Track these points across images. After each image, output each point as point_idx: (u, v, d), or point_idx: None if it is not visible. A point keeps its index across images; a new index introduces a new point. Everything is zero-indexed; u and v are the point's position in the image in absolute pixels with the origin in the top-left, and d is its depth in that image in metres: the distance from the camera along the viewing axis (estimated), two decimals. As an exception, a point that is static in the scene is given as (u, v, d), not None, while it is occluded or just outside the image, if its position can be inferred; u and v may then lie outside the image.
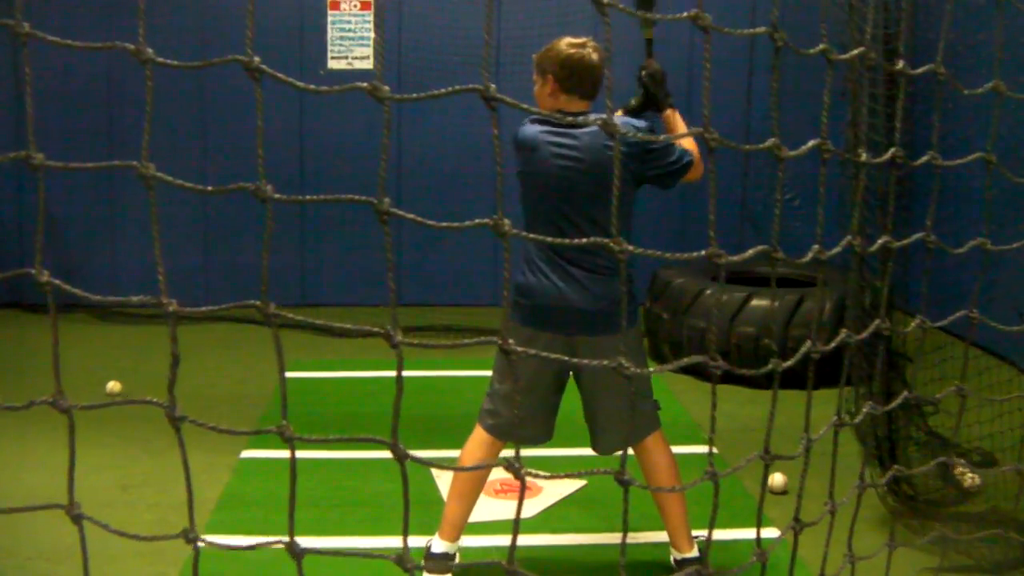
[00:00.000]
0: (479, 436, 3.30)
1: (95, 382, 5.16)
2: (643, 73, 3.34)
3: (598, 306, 3.07)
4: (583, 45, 3.12)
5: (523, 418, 3.21)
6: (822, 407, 2.15)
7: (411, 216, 1.34)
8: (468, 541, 3.53)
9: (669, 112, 3.32)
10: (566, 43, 3.12)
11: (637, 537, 3.57)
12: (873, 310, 3.70)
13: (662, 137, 2.78)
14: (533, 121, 3.15)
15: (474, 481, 3.28)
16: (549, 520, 3.78)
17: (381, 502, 3.90)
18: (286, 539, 1.39)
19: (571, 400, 3.52)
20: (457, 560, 3.28)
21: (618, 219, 1.53)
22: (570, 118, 1.50)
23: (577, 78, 3.09)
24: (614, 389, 3.13)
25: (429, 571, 3.22)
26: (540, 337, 3.13)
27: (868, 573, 2.13)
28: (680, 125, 3.32)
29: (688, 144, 3.19)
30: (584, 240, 1.47)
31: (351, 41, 7.18)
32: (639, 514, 3.63)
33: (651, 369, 1.66)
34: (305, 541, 1.41)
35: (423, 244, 7.37)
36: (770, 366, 1.58)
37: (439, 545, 3.27)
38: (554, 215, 3.12)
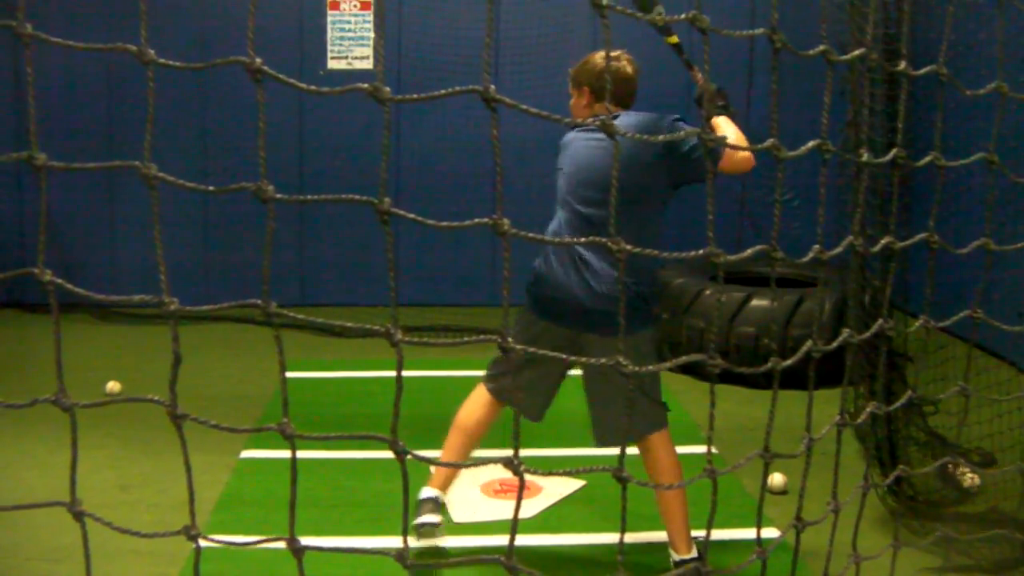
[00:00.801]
0: (480, 395, 3.43)
1: (95, 382, 5.16)
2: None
3: (603, 306, 3.07)
4: (617, 58, 3.26)
5: (522, 387, 3.30)
6: (821, 406, 2.15)
7: (411, 216, 1.34)
8: (468, 541, 3.53)
9: (715, 121, 3.33)
10: (600, 56, 3.25)
11: (637, 537, 3.57)
12: (873, 309, 3.70)
13: (682, 133, 2.84)
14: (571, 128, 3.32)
15: (470, 437, 3.43)
16: (549, 520, 3.78)
17: (380, 502, 3.90)
18: (287, 537, 1.39)
19: (572, 401, 3.53)
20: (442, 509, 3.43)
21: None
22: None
23: (612, 89, 3.17)
24: (612, 382, 3.15)
25: (423, 512, 3.33)
26: (553, 329, 3.21)
27: (868, 573, 2.14)
28: (721, 128, 3.30)
29: (732, 135, 3.22)
30: (584, 240, 1.46)
31: (351, 41, 7.18)
32: (639, 514, 3.63)
33: (650, 367, 1.66)
34: (305, 541, 1.41)
35: (423, 244, 7.36)
36: (769, 365, 1.58)
37: (429, 491, 3.40)
38: (586, 208, 3.18)
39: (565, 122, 1.43)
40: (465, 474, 4.11)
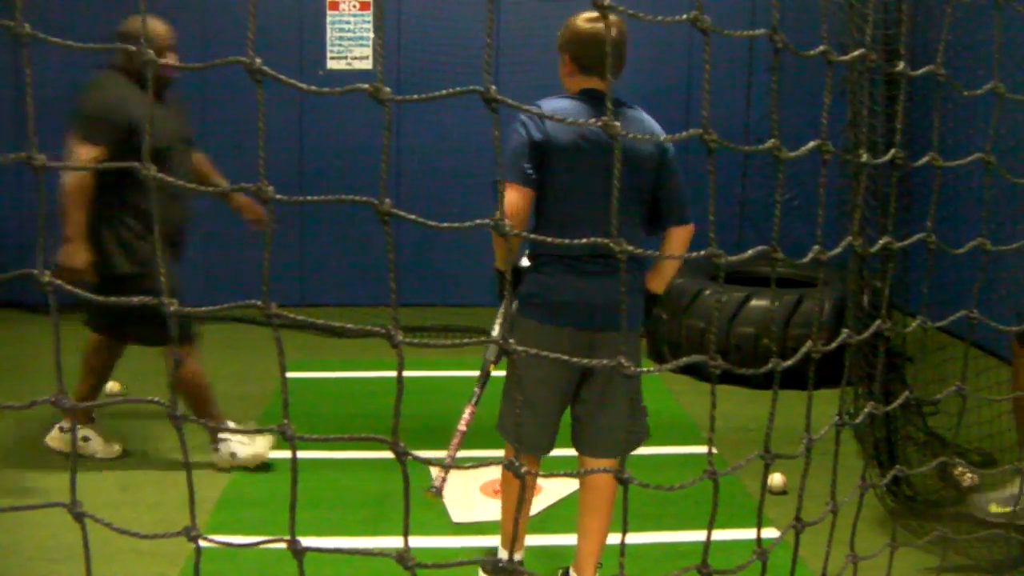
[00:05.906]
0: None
1: (95, 382, 5.16)
2: None
3: (612, 300, 2.95)
4: (597, 20, 2.81)
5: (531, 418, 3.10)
6: (823, 407, 2.15)
7: (411, 216, 1.34)
8: (468, 541, 3.53)
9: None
10: (582, 18, 2.86)
11: (637, 537, 3.57)
12: (872, 310, 3.70)
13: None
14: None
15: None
16: (549, 520, 3.78)
17: (381, 502, 3.90)
18: (287, 538, 1.39)
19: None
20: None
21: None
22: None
23: (598, 59, 2.84)
24: (621, 384, 2.96)
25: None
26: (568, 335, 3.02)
27: (868, 573, 2.14)
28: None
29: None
30: (585, 240, 1.44)
31: (350, 41, 7.18)
32: (639, 514, 3.63)
33: (650, 368, 1.65)
34: (305, 541, 1.41)
35: (423, 244, 7.36)
36: (769, 365, 1.58)
37: (517, 555, 3.19)
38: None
39: (566, 122, 1.43)
40: (465, 475, 4.11)
